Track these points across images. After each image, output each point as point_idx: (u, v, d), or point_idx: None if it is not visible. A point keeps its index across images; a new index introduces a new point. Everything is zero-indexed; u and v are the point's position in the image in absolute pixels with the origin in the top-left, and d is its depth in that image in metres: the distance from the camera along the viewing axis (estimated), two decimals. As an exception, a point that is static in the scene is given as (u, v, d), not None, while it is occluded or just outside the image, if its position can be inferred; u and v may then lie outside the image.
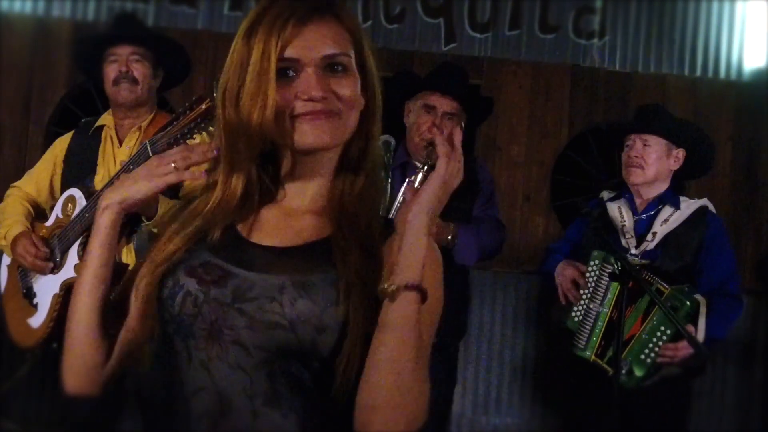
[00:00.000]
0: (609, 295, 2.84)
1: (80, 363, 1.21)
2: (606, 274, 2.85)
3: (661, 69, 4.48)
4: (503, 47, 4.46)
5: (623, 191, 3.07)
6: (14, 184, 3.02)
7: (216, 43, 4.33)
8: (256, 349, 1.09)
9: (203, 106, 2.28)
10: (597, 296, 2.88)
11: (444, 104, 3.02)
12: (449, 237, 2.91)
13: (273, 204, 1.23)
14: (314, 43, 1.13)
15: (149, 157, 2.45)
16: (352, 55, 1.17)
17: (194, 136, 2.33)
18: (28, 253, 2.72)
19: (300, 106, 1.13)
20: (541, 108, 4.45)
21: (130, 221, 2.63)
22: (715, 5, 4.50)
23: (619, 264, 2.68)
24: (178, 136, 2.35)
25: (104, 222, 1.23)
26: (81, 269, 1.24)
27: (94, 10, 4.42)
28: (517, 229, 4.34)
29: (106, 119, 2.98)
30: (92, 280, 1.21)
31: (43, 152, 3.98)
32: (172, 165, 1.25)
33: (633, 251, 2.89)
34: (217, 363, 1.10)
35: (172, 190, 2.70)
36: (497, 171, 4.31)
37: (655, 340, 2.74)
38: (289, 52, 1.13)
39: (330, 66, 1.15)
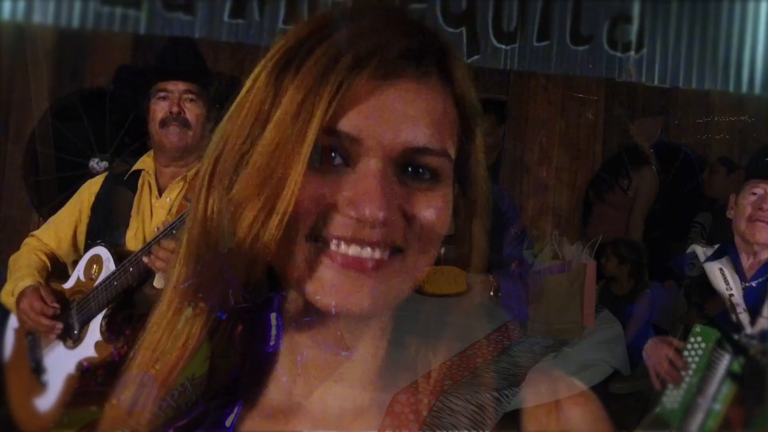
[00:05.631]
0: (725, 390, 2.33)
1: None
2: (721, 365, 2.34)
3: (704, 84, 4.30)
4: (531, 59, 4.29)
5: (726, 248, 2.59)
6: (33, 233, 2.59)
7: (215, 54, 4.07)
8: None
9: None
10: (707, 389, 2.35)
11: None
12: (491, 292, 2.55)
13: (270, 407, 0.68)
14: (397, 118, 0.61)
15: None
16: (454, 151, 0.65)
17: None
18: (33, 309, 2.28)
19: (338, 226, 0.61)
20: (573, 126, 4.23)
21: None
22: (762, 16, 4.34)
23: (737, 358, 2.20)
24: None
25: None
26: None
27: (79, 16, 4.10)
28: (547, 260, 4.02)
29: (146, 163, 2.51)
30: None
31: (24, 175, 3.65)
32: None
33: (748, 330, 2.41)
34: None
35: None
36: (524, 194, 4.04)
37: None
38: (347, 124, 0.61)
39: (410, 167, 0.63)
